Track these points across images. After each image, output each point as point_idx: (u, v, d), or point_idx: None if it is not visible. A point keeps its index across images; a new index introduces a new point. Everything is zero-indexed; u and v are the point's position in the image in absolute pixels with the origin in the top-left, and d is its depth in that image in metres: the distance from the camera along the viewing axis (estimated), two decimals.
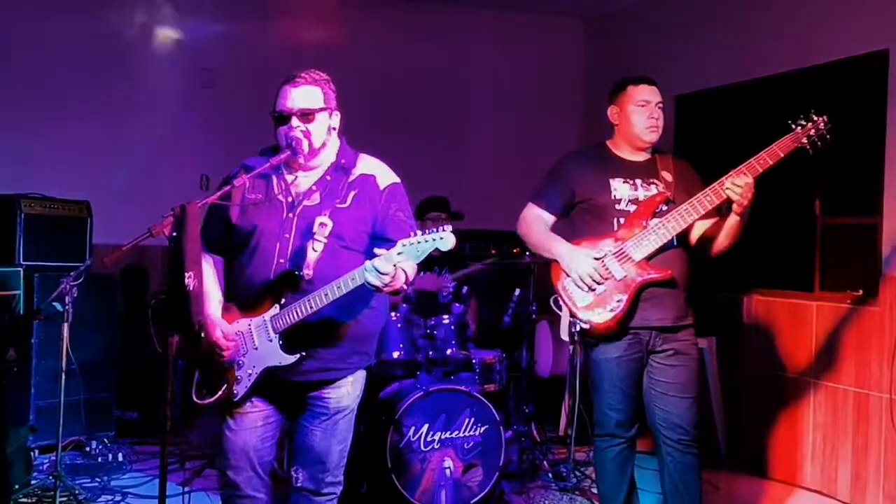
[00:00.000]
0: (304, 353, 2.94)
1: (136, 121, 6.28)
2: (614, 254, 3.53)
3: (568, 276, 3.56)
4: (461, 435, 4.35)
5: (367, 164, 3.10)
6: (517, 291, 5.21)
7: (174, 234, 2.63)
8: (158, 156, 6.24)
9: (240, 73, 6.37)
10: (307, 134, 2.96)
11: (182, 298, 2.63)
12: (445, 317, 4.78)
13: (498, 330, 5.25)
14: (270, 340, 2.94)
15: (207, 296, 2.93)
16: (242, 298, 3.01)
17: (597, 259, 3.53)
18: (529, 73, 7.14)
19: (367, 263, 2.78)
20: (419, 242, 2.77)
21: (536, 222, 3.72)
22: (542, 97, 7.16)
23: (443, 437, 4.32)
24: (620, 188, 3.62)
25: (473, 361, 4.79)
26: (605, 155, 3.74)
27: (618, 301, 3.50)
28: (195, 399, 3.01)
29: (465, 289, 5.06)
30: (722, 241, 3.62)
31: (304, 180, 3.03)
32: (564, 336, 3.61)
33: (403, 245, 2.78)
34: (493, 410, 4.41)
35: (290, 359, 2.93)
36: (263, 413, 3.04)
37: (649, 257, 3.53)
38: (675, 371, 3.59)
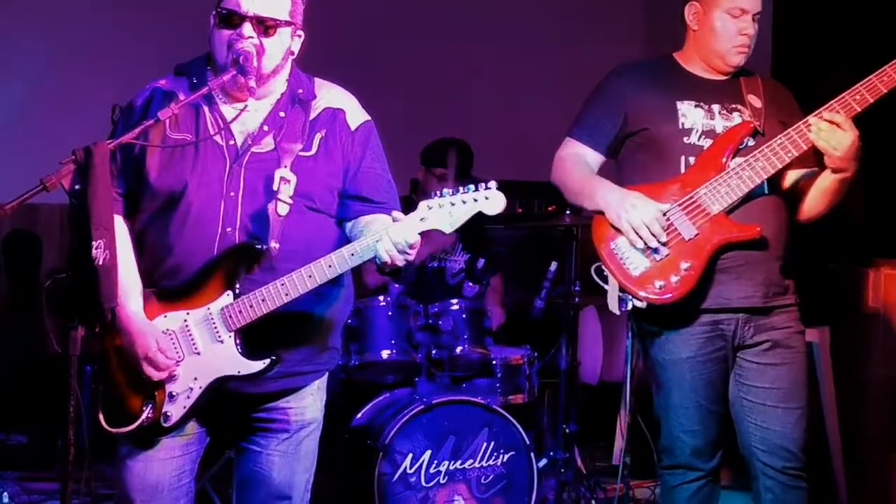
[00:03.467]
0: (274, 357, 2.94)
1: (19, 32, 6.28)
2: (681, 205, 3.52)
3: (618, 232, 3.54)
4: (477, 465, 4.39)
5: (331, 95, 3.11)
6: (553, 266, 5.21)
7: (76, 187, 2.62)
8: (51, 81, 6.25)
9: None
10: (260, 50, 2.93)
11: (89, 277, 2.63)
12: (454, 301, 4.81)
13: (527, 319, 5.27)
14: (221, 341, 2.93)
15: (125, 283, 2.89)
16: (166, 283, 2.98)
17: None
18: None
19: (384, 232, 2.80)
20: (452, 205, 2.80)
21: (576, 162, 3.71)
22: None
23: (451, 467, 4.36)
24: (691, 114, 3.62)
25: (493, 362, 4.82)
26: (671, 69, 3.73)
27: (686, 269, 3.48)
28: (105, 426, 2.96)
29: (480, 262, 5.07)
30: (813, 202, 3.63)
31: (248, 116, 3.00)
32: (614, 308, 3.59)
33: (429, 207, 2.80)
34: (521, 431, 4.45)
35: (256, 366, 2.93)
36: (185, 440, 3.03)
37: (730, 210, 3.52)
38: (775, 372, 3.60)
